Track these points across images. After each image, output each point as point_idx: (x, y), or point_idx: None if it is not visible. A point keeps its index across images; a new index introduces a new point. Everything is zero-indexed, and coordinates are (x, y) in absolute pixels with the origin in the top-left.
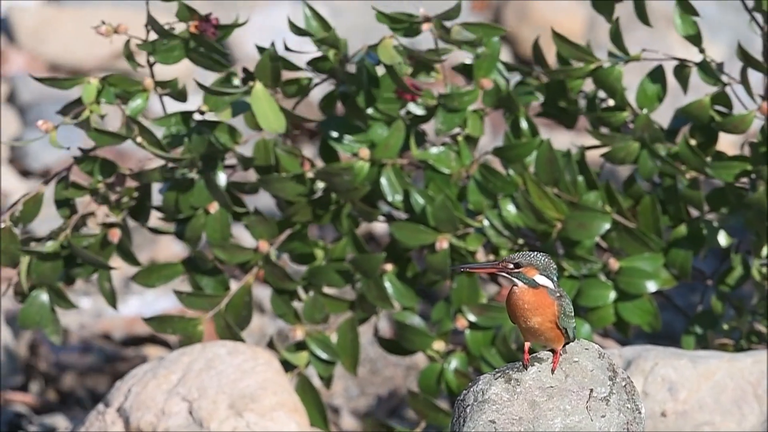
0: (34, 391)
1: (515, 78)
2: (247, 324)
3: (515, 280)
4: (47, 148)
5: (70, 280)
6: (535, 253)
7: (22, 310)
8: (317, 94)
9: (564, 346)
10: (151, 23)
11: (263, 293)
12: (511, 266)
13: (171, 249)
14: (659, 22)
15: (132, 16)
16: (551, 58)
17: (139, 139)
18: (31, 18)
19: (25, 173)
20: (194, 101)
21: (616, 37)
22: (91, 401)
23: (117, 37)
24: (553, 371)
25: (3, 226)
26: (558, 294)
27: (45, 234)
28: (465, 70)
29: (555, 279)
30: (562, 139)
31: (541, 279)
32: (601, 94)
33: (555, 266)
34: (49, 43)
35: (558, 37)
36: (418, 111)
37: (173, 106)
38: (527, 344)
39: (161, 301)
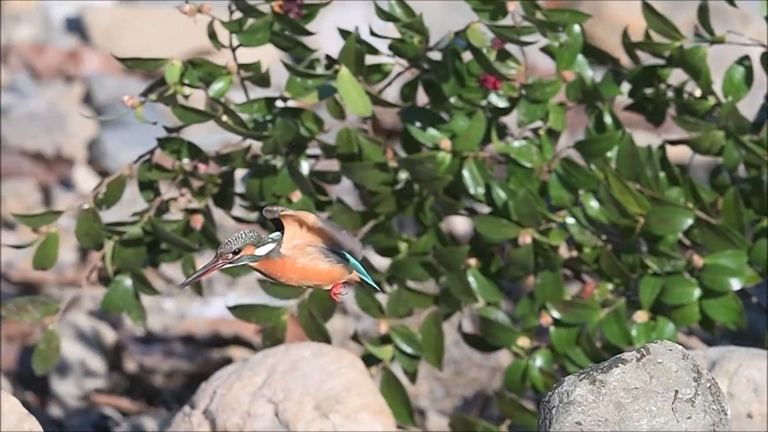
0: (120, 393)
1: (598, 71)
2: (330, 315)
3: (245, 264)
4: (125, 148)
5: (154, 264)
6: (239, 232)
7: (106, 295)
8: (395, 91)
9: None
10: (236, 0)
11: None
12: (231, 255)
13: None
14: (735, 22)
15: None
16: (625, 59)
17: (224, 118)
18: (105, 18)
19: (104, 173)
20: (277, 93)
21: (704, 16)
22: (176, 403)
23: (194, 35)
24: (335, 295)
25: (86, 207)
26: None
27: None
28: (551, 55)
29: (270, 239)
30: (644, 140)
31: (263, 250)
32: (689, 87)
33: (258, 233)
34: (124, 43)
35: (647, 9)
36: (500, 103)
37: (255, 94)
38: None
39: (245, 302)
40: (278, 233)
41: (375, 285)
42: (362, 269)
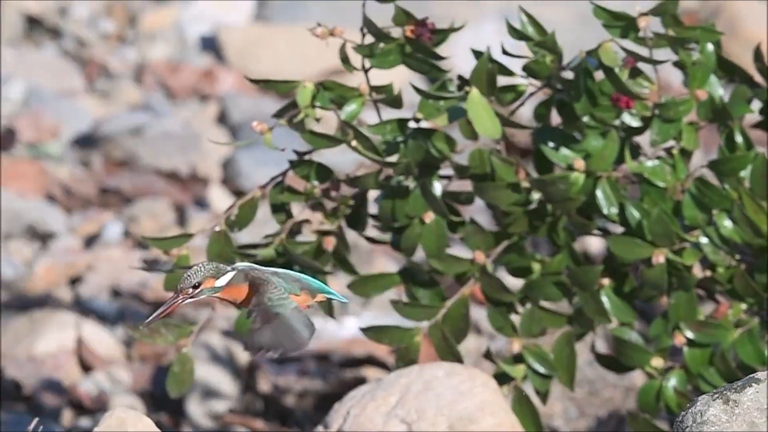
0: (254, 414)
1: (729, 89)
2: (464, 336)
3: (208, 296)
4: (259, 167)
5: None
6: (196, 266)
7: (238, 317)
8: (529, 111)
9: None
10: (368, 25)
11: (480, 314)
12: (191, 290)
13: (386, 269)
14: None
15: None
16: (758, 77)
17: (353, 143)
18: (240, 37)
19: (238, 193)
20: (409, 113)
21: None
22: (310, 423)
23: (328, 55)
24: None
25: (218, 229)
26: (242, 275)
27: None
28: (684, 69)
29: (230, 268)
30: None
31: (222, 281)
32: None
33: (217, 265)
34: (258, 61)
35: None
36: (633, 122)
37: (388, 115)
38: None
39: (378, 322)
40: (243, 263)
41: (342, 298)
42: (327, 288)
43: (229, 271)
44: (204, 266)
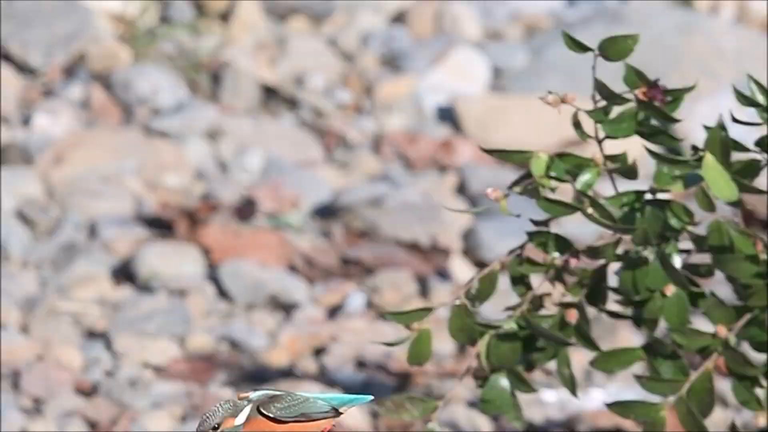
0: None
1: None
2: (709, 411)
3: None
4: (500, 238)
5: (529, 366)
6: (216, 406)
7: (483, 393)
8: (765, 183)
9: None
10: (599, 87)
11: (726, 385)
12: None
13: (630, 341)
14: None
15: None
16: None
17: (590, 211)
18: (477, 107)
19: (480, 264)
20: (644, 184)
21: None
22: None
23: (566, 124)
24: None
25: (458, 303)
26: (259, 410)
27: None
28: None
29: (247, 400)
30: None
31: (240, 419)
32: None
33: (234, 402)
34: (496, 132)
35: None
36: None
37: (623, 186)
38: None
39: (624, 394)
40: (260, 392)
41: (365, 399)
42: (347, 399)
43: (246, 405)
44: (222, 406)
